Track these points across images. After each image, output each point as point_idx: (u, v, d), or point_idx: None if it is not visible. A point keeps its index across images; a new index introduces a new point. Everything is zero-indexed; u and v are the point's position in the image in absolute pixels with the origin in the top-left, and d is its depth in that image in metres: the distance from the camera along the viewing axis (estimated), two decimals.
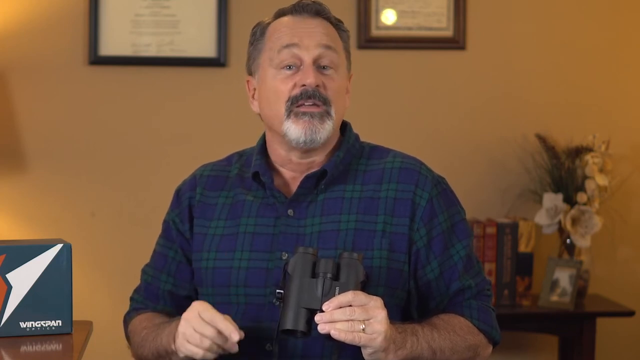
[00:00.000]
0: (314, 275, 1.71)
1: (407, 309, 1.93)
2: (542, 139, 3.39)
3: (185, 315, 1.76)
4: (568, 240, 3.32)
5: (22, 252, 1.85)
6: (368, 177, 1.94)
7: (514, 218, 3.36)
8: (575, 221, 3.28)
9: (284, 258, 1.87)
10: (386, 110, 3.44)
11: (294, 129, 1.87)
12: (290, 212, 1.91)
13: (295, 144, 1.88)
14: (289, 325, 1.69)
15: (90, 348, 1.94)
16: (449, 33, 3.44)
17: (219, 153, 2.11)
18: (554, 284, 3.26)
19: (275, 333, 1.73)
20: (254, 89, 1.97)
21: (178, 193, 2.03)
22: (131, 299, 2.06)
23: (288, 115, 1.88)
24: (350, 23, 3.36)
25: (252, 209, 1.94)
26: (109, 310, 2.93)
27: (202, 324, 1.73)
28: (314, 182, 1.92)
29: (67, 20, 3.34)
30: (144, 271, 2.05)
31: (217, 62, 3.36)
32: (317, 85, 1.88)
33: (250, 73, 1.98)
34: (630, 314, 3.27)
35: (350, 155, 1.96)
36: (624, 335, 3.51)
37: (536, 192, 3.40)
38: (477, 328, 1.90)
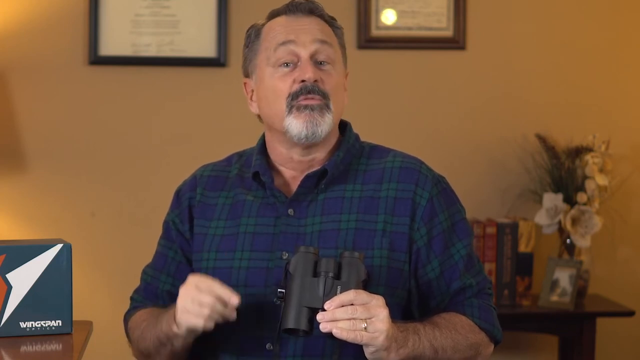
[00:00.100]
0: (315, 274, 1.71)
1: (407, 308, 1.93)
2: (542, 139, 3.39)
3: (182, 288, 1.77)
4: (568, 240, 3.32)
5: (22, 252, 1.85)
6: (368, 177, 1.94)
7: (514, 218, 3.36)
8: (575, 221, 3.27)
9: (284, 258, 1.87)
10: (386, 110, 3.44)
11: (295, 124, 1.87)
12: (290, 211, 1.91)
13: (297, 139, 1.88)
14: (290, 324, 1.69)
15: (90, 348, 1.94)
16: (449, 33, 3.44)
17: (219, 153, 2.11)
18: (554, 284, 3.26)
19: (277, 332, 1.73)
20: (252, 91, 1.97)
21: (178, 193, 2.03)
22: (131, 298, 2.06)
23: (289, 111, 1.87)
24: (350, 23, 3.36)
25: (252, 208, 1.94)
26: (109, 310, 2.93)
27: (200, 293, 1.74)
28: (315, 181, 1.92)
29: (67, 20, 3.34)
30: (144, 271, 2.05)
31: (217, 62, 3.36)
32: (316, 80, 1.88)
33: (247, 75, 1.98)
34: (630, 314, 3.27)
35: (350, 155, 1.96)
36: (624, 335, 3.51)
37: (536, 192, 3.40)
38: (479, 326, 1.89)
